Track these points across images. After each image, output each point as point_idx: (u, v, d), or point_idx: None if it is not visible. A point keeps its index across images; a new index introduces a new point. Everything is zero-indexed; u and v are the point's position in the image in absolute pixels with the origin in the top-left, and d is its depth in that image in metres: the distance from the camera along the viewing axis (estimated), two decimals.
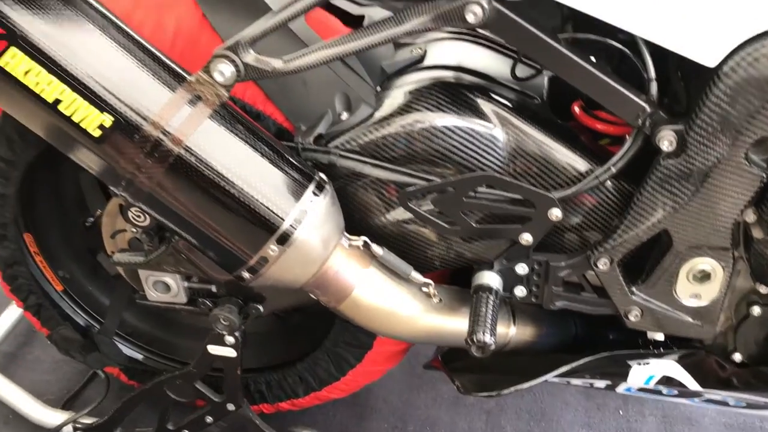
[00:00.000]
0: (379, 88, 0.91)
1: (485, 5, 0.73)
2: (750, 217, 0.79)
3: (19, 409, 1.27)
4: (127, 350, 1.23)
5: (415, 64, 0.92)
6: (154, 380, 1.11)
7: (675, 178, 0.78)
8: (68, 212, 1.17)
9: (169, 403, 1.13)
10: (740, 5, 0.70)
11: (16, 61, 0.70)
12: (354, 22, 0.97)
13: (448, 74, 0.90)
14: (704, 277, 0.84)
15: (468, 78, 0.90)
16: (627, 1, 0.72)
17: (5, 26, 0.69)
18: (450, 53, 0.94)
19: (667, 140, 0.76)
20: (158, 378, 1.11)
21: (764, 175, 0.75)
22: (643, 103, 0.77)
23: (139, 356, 1.25)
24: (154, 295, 1.03)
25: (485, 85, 0.90)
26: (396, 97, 0.87)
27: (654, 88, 0.79)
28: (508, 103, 0.88)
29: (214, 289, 1.00)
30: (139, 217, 0.94)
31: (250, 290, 0.97)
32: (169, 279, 1.01)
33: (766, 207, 0.78)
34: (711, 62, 0.72)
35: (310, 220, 0.78)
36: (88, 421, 1.21)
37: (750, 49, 0.70)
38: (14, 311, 1.43)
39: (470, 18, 0.74)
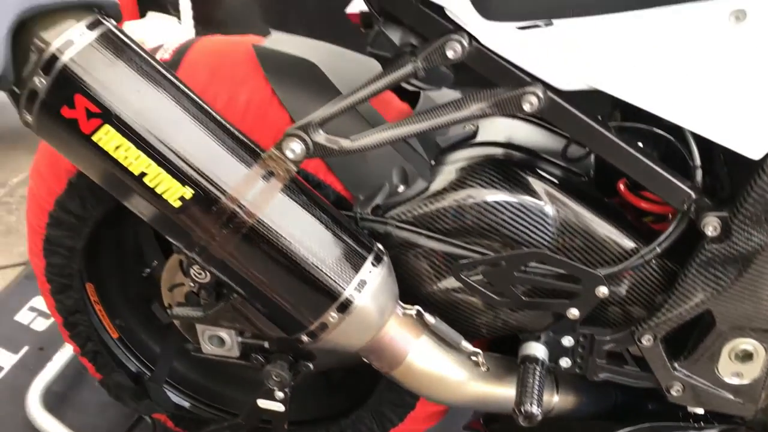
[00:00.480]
0: (433, 162, 0.96)
1: (541, 95, 0.78)
2: None
3: None
4: (176, 398, 1.28)
5: (468, 140, 0.98)
6: (204, 430, 1.15)
7: (719, 262, 0.81)
8: (127, 263, 1.23)
9: None
10: None
11: (109, 138, 0.76)
12: (409, 95, 1.02)
13: (498, 151, 0.95)
14: (746, 356, 0.86)
15: (518, 155, 0.95)
16: (672, 94, 0.76)
17: (100, 106, 0.75)
18: (501, 130, 0.98)
19: (711, 226, 0.80)
20: (207, 428, 1.15)
21: None
22: (688, 190, 0.81)
23: (187, 404, 1.29)
24: (208, 348, 1.08)
25: (534, 162, 0.95)
26: (449, 172, 0.92)
27: (699, 174, 0.82)
28: (557, 181, 0.92)
29: (266, 345, 1.04)
30: (200, 274, 1.00)
31: (302, 348, 1.02)
32: (224, 333, 1.05)
33: None
34: (756, 155, 0.76)
35: (369, 289, 0.82)
36: None
37: None
38: (66, 353, 1.49)
39: (527, 107, 0.79)
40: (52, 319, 1.61)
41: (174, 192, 0.78)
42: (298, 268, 0.81)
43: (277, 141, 0.83)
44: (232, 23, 2.08)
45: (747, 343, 0.85)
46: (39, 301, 1.68)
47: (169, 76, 0.81)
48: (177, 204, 0.78)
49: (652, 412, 1.04)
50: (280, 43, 1.00)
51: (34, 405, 1.40)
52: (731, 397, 0.89)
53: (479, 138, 0.98)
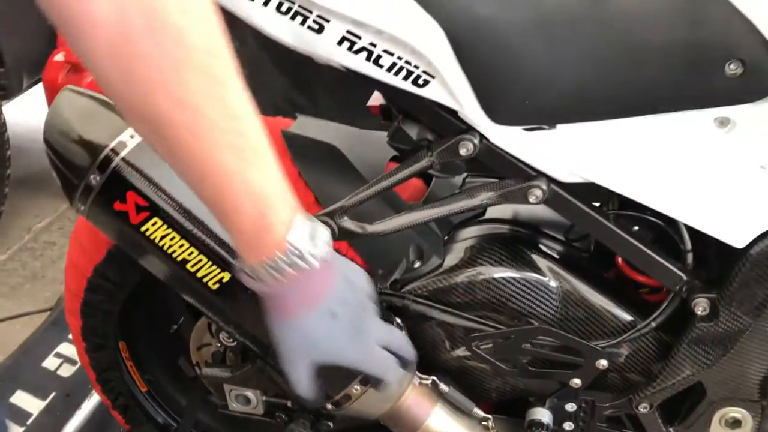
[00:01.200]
0: (446, 238, 1.04)
1: (545, 188, 0.87)
2: None
3: None
4: None
5: (478, 217, 1.06)
6: None
7: (708, 339, 0.89)
8: (156, 321, 1.31)
9: None
10: (766, 198, 0.82)
11: (155, 228, 0.85)
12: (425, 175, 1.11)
13: (505, 228, 1.03)
14: (735, 423, 0.94)
15: (523, 232, 1.03)
16: (663, 189, 0.85)
17: (149, 200, 0.84)
18: (507, 207, 1.07)
19: (701, 306, 0.88)
20: None
21: None
22: (679, 273, 0.89)
23: None
24: (235, 405, 1.15)
25: (538, 239, 1.03)
26: (461, 249, 1.00)
27: (690, 258, 0.91)
28: (559, 257, 1.01)
29: (289, 404, 1.12)
30: (228, 338, 1.08)
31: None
32: (249, 393, 1.13)
33: None
34: (739, 244, 0.84)
35: None
36: None
37: None
38: (93, 400, 1.56)
39: (532, 198, 0.87)
40: (77, 365, 1.67)
41: (213, 276, 0.86)
42: None
43: None
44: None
45: (736, 412, 0.93)
46: (65, 347, 1.75)
47: None
48: (215, 287, 0.87)
49: None
50: (305, 127, 1.09)
51: None
52: None
53: (488, 215, 1.06)
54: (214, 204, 0.65)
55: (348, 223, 0.91)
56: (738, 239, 0.84)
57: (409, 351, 0.85)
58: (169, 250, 0.85)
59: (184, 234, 0.85)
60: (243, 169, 0.61)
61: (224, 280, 0.86)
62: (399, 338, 0.85)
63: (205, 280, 0.87)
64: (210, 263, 0.86)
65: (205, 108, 0.58)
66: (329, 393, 0.92)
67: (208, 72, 0.57)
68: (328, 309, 0.72)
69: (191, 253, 0.85)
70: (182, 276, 0.87)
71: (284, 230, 0.66)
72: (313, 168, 1.03)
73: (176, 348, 1.29)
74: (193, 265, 0.86)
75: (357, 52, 0.84)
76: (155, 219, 0.84)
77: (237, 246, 0.68)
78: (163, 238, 0.85)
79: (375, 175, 1.01)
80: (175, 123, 0.58)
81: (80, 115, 0.88)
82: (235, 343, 1.08)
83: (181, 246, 0.85)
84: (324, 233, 0.69)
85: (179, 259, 0.86)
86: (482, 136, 0.87)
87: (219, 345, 1.12)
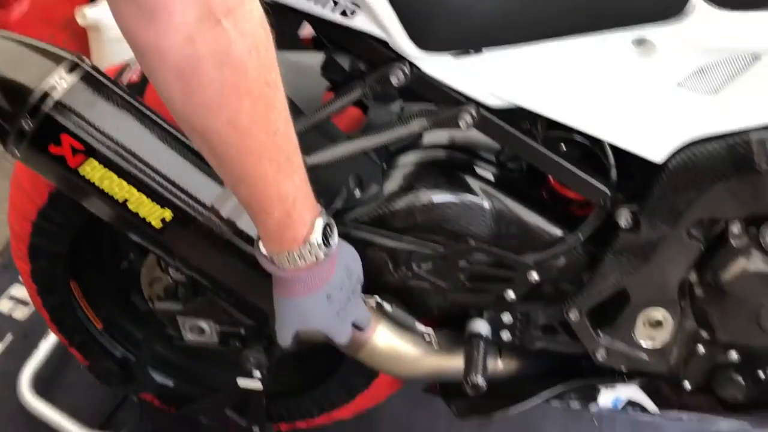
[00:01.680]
0: (385, 166, 1.07)
1: (474, 114, 0.90)
2: (693, 278, 0.97)
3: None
4: (160, 378, 1.39)
5: (415, 143, 1.09)
6: (188, 407, 1.27)
7: (631, 248, 0.95)
8: (106, 259, 1.33)
9: (201, 427, 1.29)
10: (682, 114, 0.86)
11: (93, 170, 0.86)
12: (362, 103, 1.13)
13: (441, 153, 1.07)
14: (657, 323, 1.01)
15: (459, 156, 1.07)
16: (585, 109, 0.88)
17: (84, 143, 0.84)
18: (443, 132, 1.10)
19: (624, 218, 0.93)
20: (192, 405, 1.27)
21: (702, 247, 0.93)
22: (604, 188, 0.94)
23: (171, 383, 1.40)
24: (190, 336, 1.19)
25: (473, 162, 1.06)
26: (399, 176, 1.03)
27: (613, 174, 0.96)
28: (492, 178, 1.05)
29: (243, 331, 1.16)
30: (178, 272, 1.10)
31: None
32: (203, 323, 1.17)
33: (704, 271, 0.95)
34: (658, 159, 0.89)
35: None
36: None
37: (691, 150, 0.87)
38: (50, 339, 1.58)
39: (462, 124, 0.90)
40: (32, 308, 1.69)
41: (155, 215, 0.88)
42: None
43: None
44: None
45: (658, 313, 1.00)
46: (17, 289, 1.76)
47: (142, 108, 0.90)
48: (158, 225, 0.89)
49: (585, 369, 1.18)
50: None
51: (26, 391, 1.50)
52: (647, 357, 1.04)
53: (425, 141, 1.09)
54: (247, 203, 0.73)
55: None
56: (657, 154, 0.88)
57: (366, 321, 0.97)
58: (109, 192, 0.87)
59: (123, 174, 0.86)
60: (278, 179, 0.69)
61: (167, 218, 0.88)
62: (364, 313, 0.95)
63: (148, 219, 0.88)
64: (151, 202, 0.87)
65: (253, 129, 0.65)
66: None
67: (261, 99, 0.63)
68: (326, 293, 0.82)
69: (131, 193, 0.87)
70: (125, 216, 0.89)
71: (305, 230, 0.75)
72: None
73: (128, 284, 1.32)
74: (134, 205, 0.87)
75: None
76: (92, 161, 0.85)
77: (261, 236, 0.77)
78: (101, 179, 0.86)
79: (313, 105, 1.03)
80: (226, 141, 0.65)
81: (6, 59, 0.87)
82: (184, 276, 1.11)
83: (121, 186, 0.86)
84: (334, 229, 0.78)
85: (120, 199, 0.87)
86: (412, 65, 0.88)
87: (169, 279, 1.15)
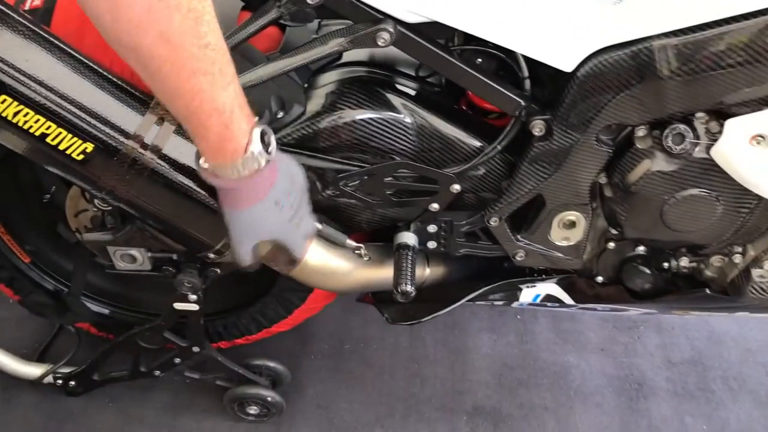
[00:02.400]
0: (306, 85, 1.08)
1: (392, 31, 0.91)
2: (602, 180, 1.03)
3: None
4: (95, 307, 1.40)
5: (336, 61, 1.09)
6: (127, 333, 1.29)
7: (545, 156, 1.00)
8: (26, 192, 1.30)
9: (141, 350, 1.32)
10: (589, 24, 0.90)
11: (7, 106, 0.83)
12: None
13: (362, 70, 1.08)
14: (571, 224, 1.08)
15: (379, 73, 1.08)
16: (496, 21, 0.91)
17: None
18: (363, 50, 1.10)
19: (537, 128, 0.98)
20: (130, 331, 1.29)
21: (610, 151, 0.99)
22: (518, 99, 0.98)
23: (107, 311, 1.41)
24: (121, 265, 1.19)
25: (394, 78, 1.08)
26: (321, 96, 1.04)
27: (527, 84, 0.99)
28: (413, 93, 1.07)
29: (175, 257, 1.17)
30: (104, 202, 1.10)
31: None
32: (134, 251, 1.17)
33: (612, 173, 1.01)
34: (568, 68, 0.92)
35: None
36: (66, 370, 1.39)
37: (598, 58, 0.90)
38: None
39: (380, 42, 0.91)
40: None
41: (76, 147, 0.87)
42: (199, 199, 0.93)
43: None
44: None
45: (571, 215, 1.06)
46: None
47: (51, 38, 0.87)
48: (80, 157, 0.88)
49: (507, 270, 1.26)
50: None
51: None
52: (562, 256, 1.12)
53: (345, 58, 1.09)
54: (184, 118, 0.73)
55: None
56: (566, 63, 0.92)
57: (313, 233, 0.98)
58: (26, 126, 0.85)
59: (39, 109, 0.84)
60: (213, 92, 0.70)
61: (88, 150, 0.87)
62: (312, 225, 0.96)
63: (68, 152, 0.87)
64: (71, 136, 0.86)
65: (185, 43, 0.65)
66: (210, 243, 0.98)
67: (190, 12, 0.64)
68: (274, 199, 0.82)
69: (49, 128, 0.85)
70: (44, 150, 0.88)
71: (244, 139, 0.75)
72: None
73: (53, 216, 1.29)
74: (53, 139, 0.86)
75: None
76: (4, 97, 0.83)
77: (202, 150, 0.77)
78: (16, 114, 0.84)
79: (228, 27, 1.01)
80: (158, 57, 0.65)
81: None
82: (111, 207, 1.10)
83: (38, 121, 0.85)
84: (272, 137, 0.79)
85: (38, 134, 0.86)
86: None
87: (96, 210, 1.14)
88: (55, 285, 1.36)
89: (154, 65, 0.66)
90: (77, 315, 1.36)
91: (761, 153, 0.89)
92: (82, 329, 1.43)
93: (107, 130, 0.87)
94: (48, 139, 0.86)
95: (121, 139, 0.88)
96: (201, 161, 0.79)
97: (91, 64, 0.88)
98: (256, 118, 0.78)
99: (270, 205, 0.82)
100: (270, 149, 0.78)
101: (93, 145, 0.87)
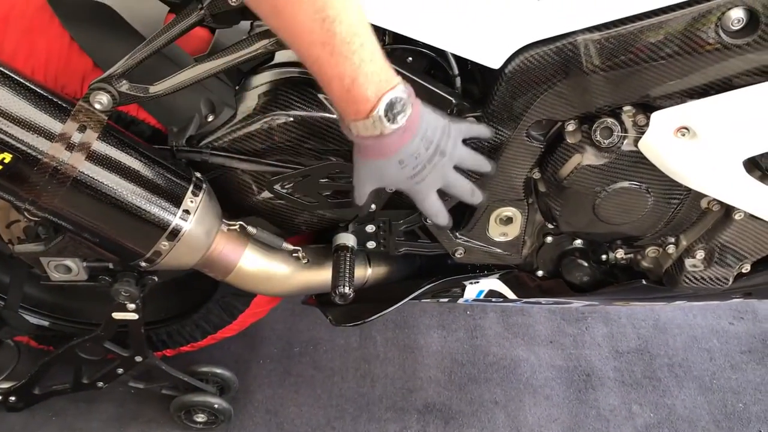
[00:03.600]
0: (237, 87, 1.06)
1: None
2: (536, 175, 1.04)
3: None
4: (34, 319, 1.37)
5: (268, 62, 1.08)
6: (66, 345, 1.26)
7: (479, 152, 1.00)
8: None
9: (82, 361, 1.29)
10: (514, 20, 0.90)
11: None
12: None
13: (294, 71, 1.06)
14: (508, 220, 1.08)
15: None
16: (424, 22, 0.90)
17: None
18: None
19: None
20: (69, 343, 1.26)
21: (542, 146, 0.99)
22: (449, 97, 0.97)
23: (46, 323, 1.38)
24: (56, 276, 1.16)
25: None
26: (253, 97, 1.02)
27: (458, 82, 0.99)
28: None
29: (111, 265, 1.15)
30: (34, 213, 1.06)
31: None
32: (68, 261, 1.14)
33: (545, 168, 1.02)
34: (495, 65, 0.92)
35: (193, 216, 0.95)
36: (6, 385, 1.35)
37: (524, 55, 0.91)
38: None
39: None
40: None
41: None
42: (125, 207, 0.91)
43: (83, 93, 0.90)
44: None
45: (507, 211, 1.07)
46: None
47: None
48: None
49: (450, 267, 1.26)
50: None
51: None
52: (501, 251, 1.12)
53: (276, 59, 1.08)
54: (311, 73, 0.79)
55: (127, 87, 0.90)
56: (493, 60, 0.92)
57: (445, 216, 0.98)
58: None
59: None
60: (332, 60, 0.75)
61: (6, 161, 0.85)
62: (462, 182, 0.95)
63: None
64: None
65: (297, 16, 0.72)
66: (140, 251, 0.96)
67: None
68: (398, 159, 0.86)
69: None
70: None
71: (367, 105, 0.78)
72: (86, 30, 0.99)
73: None
74: None
75: None
76: None
77: (336, 106, 0.83)
78: None
79: (154, 30, 0.99)
80: (273, 25, 0.77)
81: None
82: (40, 217, 1.07)
83: None
84: (407, 105, 0.80)
85: None
86: None
87: (27, 220, 1.11)
88: None
89: (274, 30, 0.78)
90: (15, 328, 1.32)
91: (686, 145, 0.90)
92: (21, 343, 1.39)
93: (26, 138, 0.85)
94: None
95: (40, 148, 0.86)
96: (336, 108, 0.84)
97: (8, 72, 0.86)
98: (397, 82, 0.79)
99: (393, 163, 0.86)
100: (399, 118, 0.80)
101: (11, 155, 0.85)
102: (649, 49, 0.86)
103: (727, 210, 1.01)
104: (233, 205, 1.06)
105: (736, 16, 0.82)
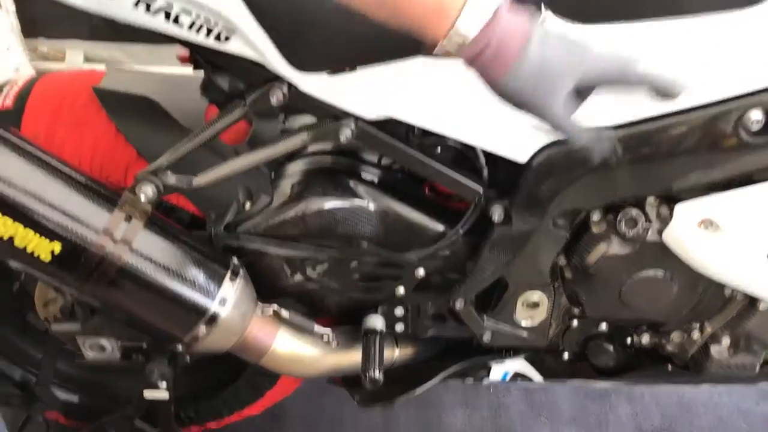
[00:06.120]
0: (273, 174, 1.10)
1: (353, 127, 0.94)
2: (562, 261, 1.06)
3: None
4: (64, 395, 1.38)
5: (301, 150, 1.12)
6: (98, 422, 1.28)
7: (505, 240, 1.03)
8: None
9: None
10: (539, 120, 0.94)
11: None
12: None
13: (327, 159, 1.11)
14: (535, 305, 1.11)
15: (343, 161, 1.11)
16: (453, 119, 0.94)
17: None
18: None
19: (497, 214, 1.01)
20: (101, 420, 1.28)
21: (567, 235, 1.02)
22: (476, 187, 1.01)
23: (76, 399, 1.40)
24: (91, 354, 1.19)
25: (357, 166, 1.11)
26: (288, 185, 1.07)
27: (485, 172, 1.03)
28: (377, 180, 1.10)
29: (145, 345, 1.17)
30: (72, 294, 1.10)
31: None
32: (103, 340, 1.17)
33: (571, 255, 1.04)
34: (521, 159, 0.96)
35: (230, 302, 0.98)
36: None
37: (550, 150, 0.95)
38: None
39: (342, 138, 0.95)
40: None
41: (43, 249, 0.88)
42: (166, 294, 0.95)
43: (130, 183, 0.95)
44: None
45: (534, 296, 1.09)
46: None
47: (22, 143, 0.89)
48: (48, 258, 0.89)
49: (476, 347, 1.27)
50: (116, 80, 1.09)
51: None
52: (528, 335, 1.14)
53: (310, 147, 1.12)
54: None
55: (172, 178, 0.95)
56: (521, 155, 0.96)
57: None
58: None
59: (6, 210, 0.86)
60: None
61: (56, 251, 0.89)
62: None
63: (36, 253, 0.88)
64: (39, 236, 0.88)
65: None
66: (178, 336, 0.99)
67: None
68: (531, 54, 0.74)
69: (16, 230, 0.86)
70: (11, 251, 0.89)
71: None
72: (130, 122, 1.04)
73: (22, 305, 1.29)
74: (21, 241, 0.87)
75: (155, 13, 0.85)
76: None
77: (423, 36, 0.75)
78: None
79: (195, 119, 1.05)
80: None
81: None
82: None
83: (5, 223, 0.86)
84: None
85: (5, 237, 0.87)
86: (290, 85, 0.92)
87: (65, 300, 1.14)
88: (23, 374, 1.35)
89: None
90: (46, 404, 1.34)
91: (709, 237, 0.93)
92: (50, 419, 1.40)
93: (76, 228, 0.89)
94: (16, 242, 0.87)
95: (90, 236, 0.90)
96: (440, 48, 0.75)
97: (59, 165, 0.91)
98: None
99: (536, 43, 0.74)
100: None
101: (61, 245, 0.89)
102: (670, 145, 0.90)
103: (752, 299, 1.02)
104: (266, 287, 1.09)
105: (756, 117, 0.86)
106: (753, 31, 0.82)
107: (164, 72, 1.13)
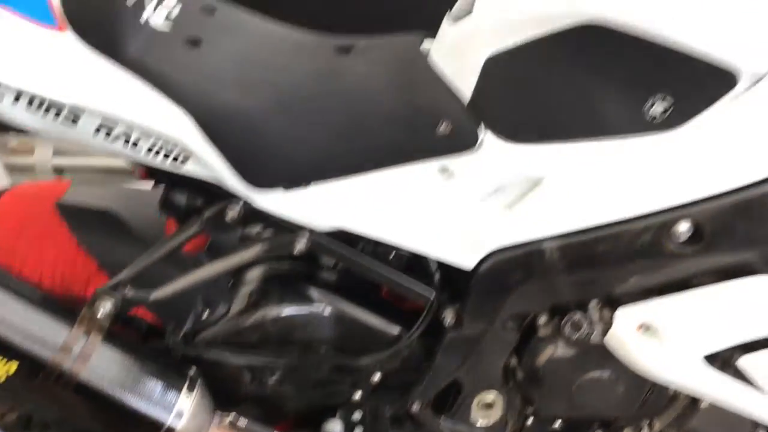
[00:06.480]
0: (231, 281, 1.13)
1: (306, 240, 0.99)
2: (514, 362, 1.09)
3: None
4: None
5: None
6: None
7: (457, 343, 1.06)
8: None
9: None
10: (484, 228, 0.98)
11: None
12: None
13: (285, 265, 1.14)
14: (490, 405, 1.13)
15: (300, 267, 1.15)
16: (401, 228, 0.98)
17: None
18: None
19: (448, 317, 1.04)
20: None
21: (517, 336, 1.06)
22: (426, 294, 1.05)
23: None
24: None
25: (314, 271, 1.14)
26: (245, 294, 1.09)
27: (437, 277, 1.07)
28: (333, 284, 1.13)
29: None
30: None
31: None
32: None
33: (521, 357, 1.08)
34: (468, 266, 1.00)
35: (187, 414, 0.99)
36: None
37: (495, 257, 0.99)
38: None
39: (296, 249, 0.99)
40: None
41: None
42: (122, 410, 0.96)
43: (88, 293, 0.97)
44: None
45: (488, 397, 1.12)
46: None
47: None
48: (2, 378, 0.90)
49: None
50: (78, 194, 1.12)
51: None
52: None
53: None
54: None
55: (131, 293, 0.97)
56: (467, 262, 1.00)
57: None
58: None
59: None
60: None
61: (11, 372, 0.90)
62: None
63: None
64: None
65: None
66: None
67: None
68: None
69: None
70: None
71: None
72: (92, 236, 1.08)
73: None
74: None
75: (114, 139, 0.89)
76: None
77: None
78: None
79: (155, 231, 1.08)
80: None
81: None
82: None
83: None
84: None
85: None
86: (245, 201, 0.96)
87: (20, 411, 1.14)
88: None
89: None
90: None
91: (648, 341, 0.97)
92: None
93: (30, 350, 0.90)
94: None
95: (44, 357, 0.91)
96: None
97: (16, 283, 0.93)
98: None
99: None
100: None
101: (17, 365, 0.90)
102: (605, 254, 0.95)
103: (693, 398, 1.06)
104: (225, 393, 1.10)
105: (682, 229, 0.91)
106: (674, 151, 0.89)
107: (126, 186, 1.17)
